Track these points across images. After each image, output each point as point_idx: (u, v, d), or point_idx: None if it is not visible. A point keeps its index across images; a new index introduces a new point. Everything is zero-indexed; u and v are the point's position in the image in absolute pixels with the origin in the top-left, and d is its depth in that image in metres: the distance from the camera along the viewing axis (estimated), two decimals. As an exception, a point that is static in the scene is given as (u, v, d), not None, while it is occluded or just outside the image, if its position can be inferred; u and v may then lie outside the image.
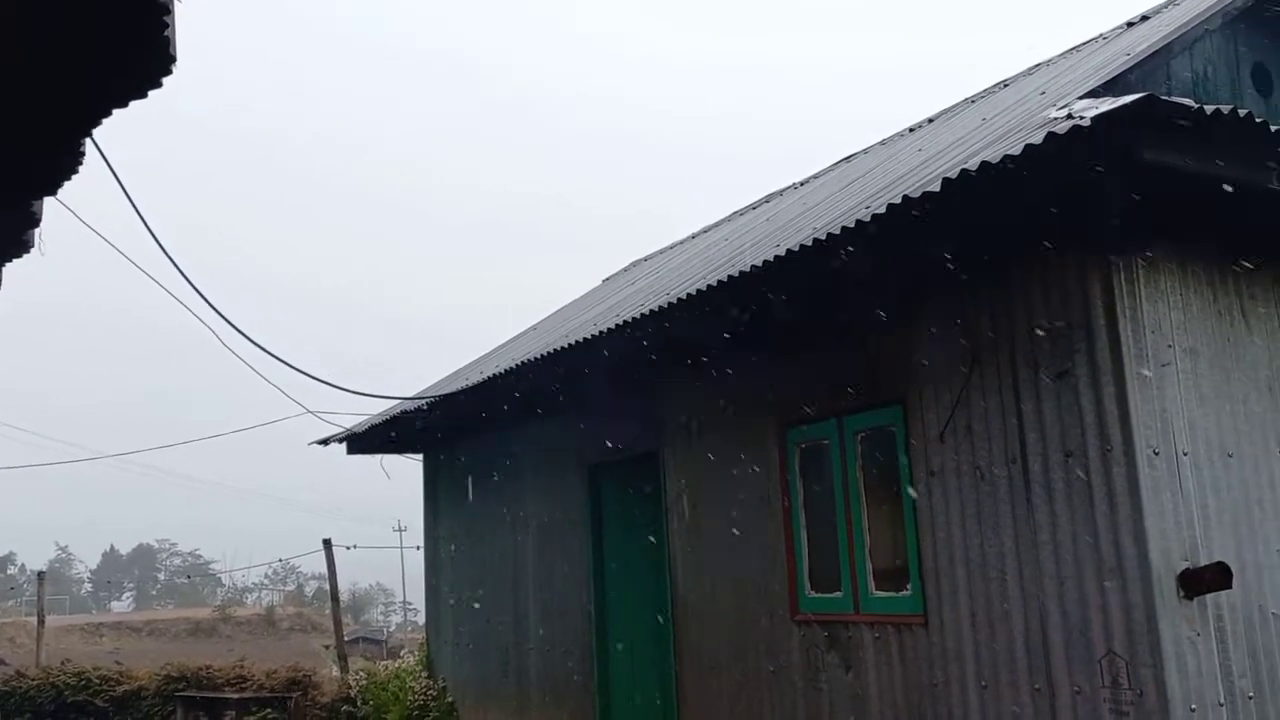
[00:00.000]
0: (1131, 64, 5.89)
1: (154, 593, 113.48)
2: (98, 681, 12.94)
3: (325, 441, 12.41)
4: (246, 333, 7.14)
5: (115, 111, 2.32)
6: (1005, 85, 9.51)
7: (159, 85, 2.22)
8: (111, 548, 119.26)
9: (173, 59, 2.13)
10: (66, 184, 2.78)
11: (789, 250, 5.51)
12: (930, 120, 10.23)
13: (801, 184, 11.91)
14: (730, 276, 5.93)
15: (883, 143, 10.88)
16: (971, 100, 9.88)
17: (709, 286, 6.11)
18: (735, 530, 7.17)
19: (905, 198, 4.81)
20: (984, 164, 4.42)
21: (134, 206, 5.85)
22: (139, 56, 2.11)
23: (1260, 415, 5.20)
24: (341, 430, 11.93)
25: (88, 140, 2.54)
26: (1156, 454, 4.74)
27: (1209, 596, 4.68)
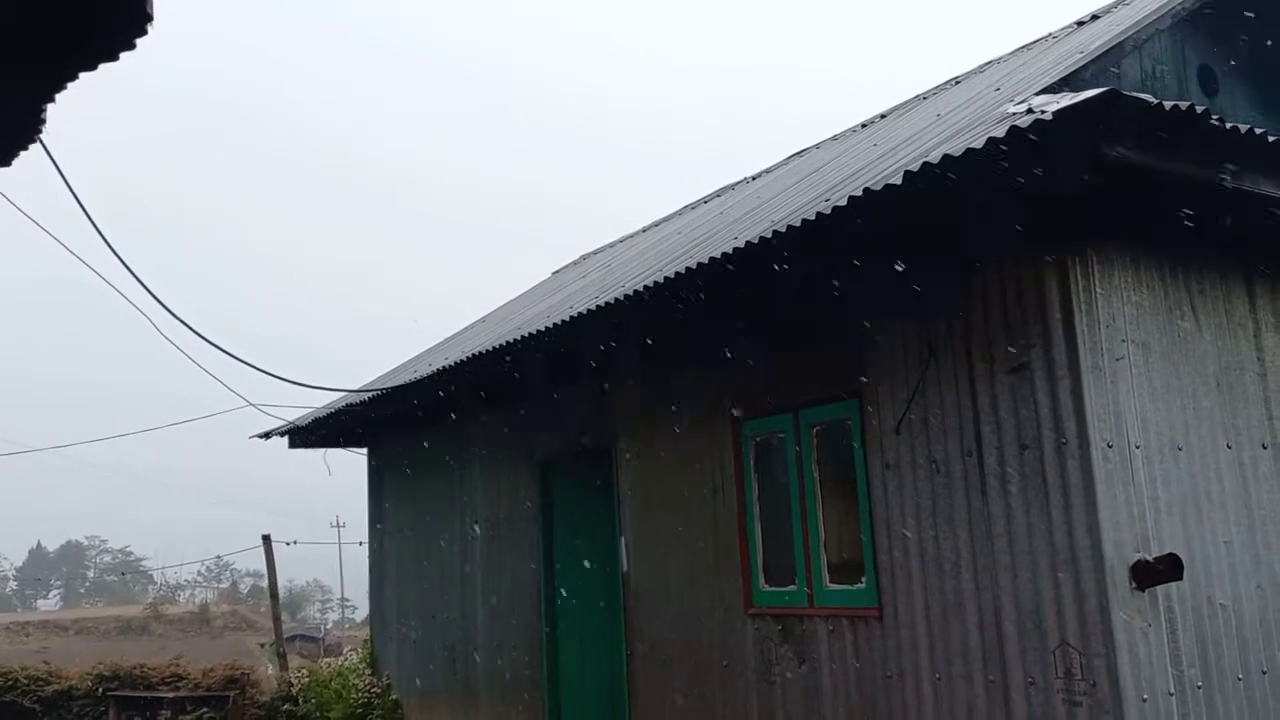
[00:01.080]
0: (1085, 61, 5.96)
1: (83, 590, 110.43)
2: (26, 681, 12.55)
3: (267, 435, 12.13)
4: (188, 322, 6.92)
5: (82, 75, 2.15)
6: (957, 82, 9.58)
7: (132, 47, 2.07)
8: (38, 544, 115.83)
9: (149, 18, 1.98)
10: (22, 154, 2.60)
11: (748, 242, 5.47)
12: (883, 116, 10.28)
13: (754, 178, 11.91)
14: (688, 268, 5.86)
15: (835, 138, 10.90)
16: (923, 97, 9.94)
17: (665, 279, 6.04)
18: (689, 524, 7.13)
19: (867, 190, 4.80)
20: (946, 157, 4.41)
21: (67, 183, 5.62)
22: (113, 13, 1.95)
23: (1209, 410, 5.29)
24: (284, 423, 11.67)
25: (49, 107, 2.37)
26: (1110, 447, 4.79)
27: (1159, 587, 4.75)
